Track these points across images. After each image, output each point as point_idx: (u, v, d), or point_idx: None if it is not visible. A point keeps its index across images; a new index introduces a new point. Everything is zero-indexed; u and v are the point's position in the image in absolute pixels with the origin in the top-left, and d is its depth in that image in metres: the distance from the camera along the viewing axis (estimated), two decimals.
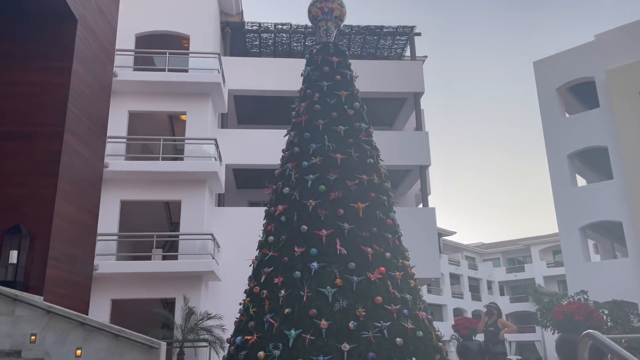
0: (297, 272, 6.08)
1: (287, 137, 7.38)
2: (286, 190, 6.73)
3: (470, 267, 51.15)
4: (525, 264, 51.68)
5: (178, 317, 13.44)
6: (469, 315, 39.78)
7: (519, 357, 39.61)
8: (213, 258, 14.78)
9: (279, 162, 7.29)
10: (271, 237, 6.60)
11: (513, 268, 52.81)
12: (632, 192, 19.53)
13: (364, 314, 5.74)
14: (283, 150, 7.32)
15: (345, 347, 5.51)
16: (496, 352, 8.75)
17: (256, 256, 6.81)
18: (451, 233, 51.58)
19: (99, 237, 13.85)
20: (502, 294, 51.20)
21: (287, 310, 5.87)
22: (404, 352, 5.69)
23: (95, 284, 13.43)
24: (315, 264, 6.06)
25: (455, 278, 48.46)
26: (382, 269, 6.14)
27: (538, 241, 50.89)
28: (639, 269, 19.15)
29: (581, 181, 24.19)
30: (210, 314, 13.22)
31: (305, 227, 6.32)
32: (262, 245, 6.73)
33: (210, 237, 15.02)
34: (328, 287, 5.91)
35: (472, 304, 47.06)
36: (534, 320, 45.39)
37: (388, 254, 6.34)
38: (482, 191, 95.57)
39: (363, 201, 6.48)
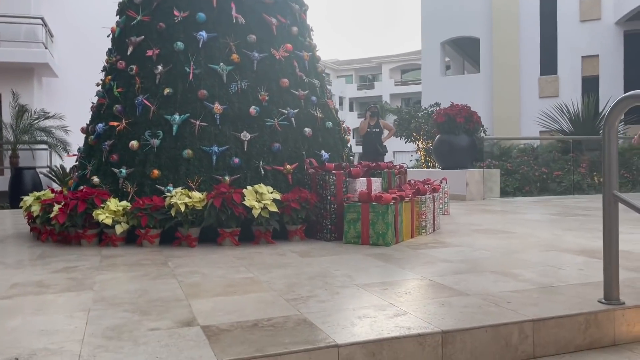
0: (178, 43, 4.59)
1: None
2: None
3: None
4: (375, 82, 53.76)
5: (7, 116, 11.18)
6: None
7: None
8: (46, 48, 12.11)
9: None
10: None
11: (364, 85, 54.78)
12: (495, 6, 19.87)
13: (267, 98, 4.62)
14: None
15: (246, 136, 4.45)
16: (381, 152, 8.57)
17: (117, 22, 5.07)
18: None
19: None
20: (351, 109, 53.55)
21: (167, 90, 4.50)
22: (312, 144, 4.82)
23: None
24: (203, 34, 4.60)
25: None
26: (289, 45, 4.90)
27: (390, 60, 52.57)
28: (488, 83, 20.44)
29: None
30: (48, 113, 11.17)
31: None
32: (125, 6, 4.97)
33: (40, 21, 12.12)
34: (222, 63, 4.58)
35: None
36: None
37: (295, 29, 5.06)
38: (341, 5, 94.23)
39: None
